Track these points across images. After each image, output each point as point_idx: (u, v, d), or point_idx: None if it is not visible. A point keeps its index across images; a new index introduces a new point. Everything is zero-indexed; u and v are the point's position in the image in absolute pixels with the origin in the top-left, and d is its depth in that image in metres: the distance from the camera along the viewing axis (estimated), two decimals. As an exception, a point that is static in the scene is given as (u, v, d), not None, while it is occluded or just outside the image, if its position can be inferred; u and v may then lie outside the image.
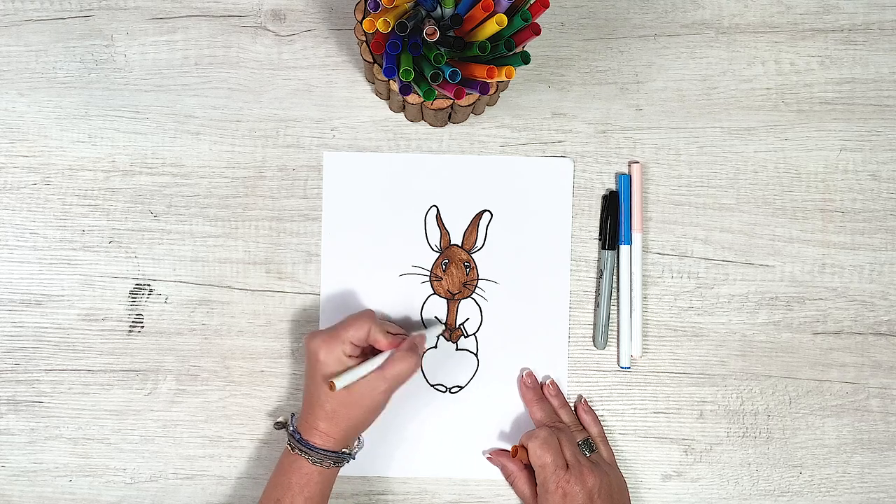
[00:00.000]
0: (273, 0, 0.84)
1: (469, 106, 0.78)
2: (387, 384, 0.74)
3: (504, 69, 0.68)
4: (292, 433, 0.76)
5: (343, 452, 0.76)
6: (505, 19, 0.67)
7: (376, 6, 0.69)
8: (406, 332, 0.80)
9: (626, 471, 0.83)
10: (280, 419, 0.80)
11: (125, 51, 0.84)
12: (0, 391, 0.83)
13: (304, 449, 0.75)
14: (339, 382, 0.73)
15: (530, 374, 0.83)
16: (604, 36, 0.85)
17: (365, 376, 0.74)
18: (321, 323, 0.83)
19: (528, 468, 0.80)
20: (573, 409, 0.84)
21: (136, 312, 0.83)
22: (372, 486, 0.83)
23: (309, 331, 0.83)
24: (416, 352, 0.76)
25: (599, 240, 0.84)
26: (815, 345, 0.84)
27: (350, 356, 0.75)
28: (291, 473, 0.75)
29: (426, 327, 0.83)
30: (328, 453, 0.75)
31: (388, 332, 0.76)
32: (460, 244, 0.84)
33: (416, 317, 0.84)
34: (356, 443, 0.79)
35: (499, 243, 0.84)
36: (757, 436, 0.84)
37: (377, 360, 0.75)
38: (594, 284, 0.84)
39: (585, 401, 0.84)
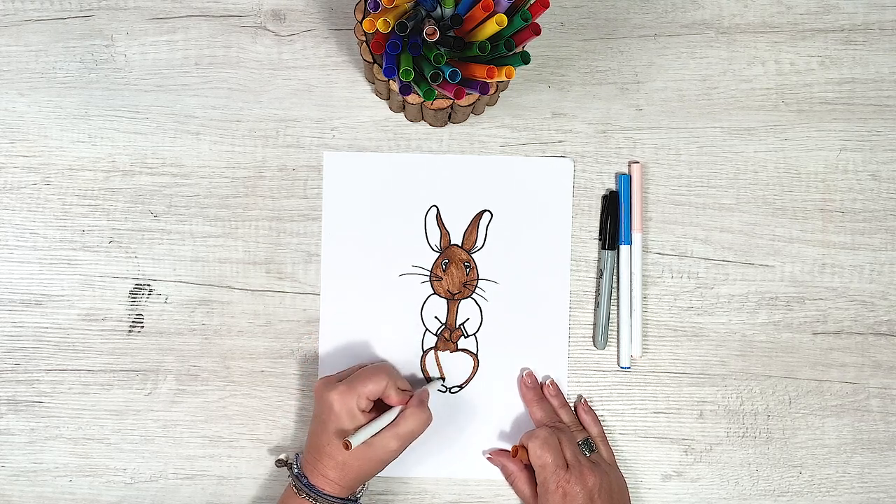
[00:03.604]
0: (273, 0, 0.84)
1: (469, 106, 0.78)
2: (400, 442, 0.75)
3: (504, 69, 0.68)
4: (298, 475, 0.76)
5: (349, 499, 0.76)
6: (505, 19, 0.67)
7: (376, 6, 0.69)
8: (411, 388, 0.80)
9: (626, 471, 0.83)
10: (282, 457, 0.79)
11: (125, 51, 0.84)
12: (0, 391, 0.83)
13: (312, 494, 0.75)
14: (355, 441, 0.73)
15: (530, 374, 0.83)
16: (604, 36, 0.85)
17: (378, 433, 0.75)
18: (321, 323, 0.83)
19: (528, 468, 0.80)
20: (573, 409, 0.84)
21: (136, 312, 0.83)
22: (372, 486, 0.83)
23: (309, 331, 0.83)
24: (426, 407, 0.77)
25: (599, 240, 0.84)
26: (815, 345, 0.84)
27: (364, 411, 0.75)
28: None
29: (429, 381, 0.83)
30: (336, 500, 0.75)
31: (399, 389, 0.77)
32: (460, 244, 0.84)
33: (417, 317, 0.84)
34: (361, 488, 0.79)
35: (499, 243, 0.84)
36: (757, 436, 0.84)
37: (389, 416, 0.76)
38: (594, 284, 0.84)
39: (585, 401, 0.84)
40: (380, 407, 0.77)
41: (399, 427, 0.75)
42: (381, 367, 0.78)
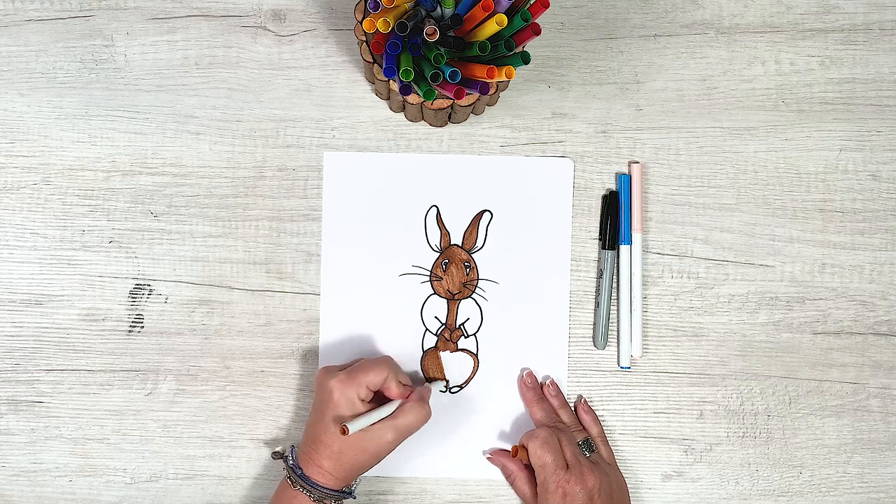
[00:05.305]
0: (273, 0, 0.84)
1: (469, 106, 0.78)
2: (396, 434, 0.75)
3: (504, 69, 0.68)
4: (292, 467, 0.76)
5: (344, 491, 0.76)
6: (505, 19, 0.67)
7: (376, 6, 0.69)
8: (412, 384, 0.80)
9: (626, 471, 0.83)
10: (278, 449, 0.79)
11: (125, 51, 0.84)
12: (0, 391, 0.83)
13: (306, 486, 0.75)
14: (353, 427, 0.73)
15: (530, 374, 0.83)
16: (604, 36, 0.85)
17: (376, 423, 0.75)
18: (321, 323, 0.83)
19: (529, 468, 0.80)
20: (573, 409, 0.84)
21: (136, 312, 0.83)
22: (372, 486, 0.83)
23: (309, 331, 0.83)
24: (426, 403, 0.77)
25: (599, 240, 0.84)
26: (815, 345, 0.84)
27: (363, 400, 0.76)
28: None
29: (429, 381, 0.83)
30: (330, 492, 0.75)
31: (400, 382, 0.77)
32: (460, 244, 0.84)
33: (417, 317, 0.84)
34: (356, 481, 0.78)
35: (499, 243, 0.84)
36: (757, 436, 0.84)
37: (388, 408, 0.76)
38: (594, 284, 0.84)
39: (585, 401, 0.84)
40: (379, 401, 0.77)
41: (398, 419, 0.75)
42: (383, 359, 0.78)
